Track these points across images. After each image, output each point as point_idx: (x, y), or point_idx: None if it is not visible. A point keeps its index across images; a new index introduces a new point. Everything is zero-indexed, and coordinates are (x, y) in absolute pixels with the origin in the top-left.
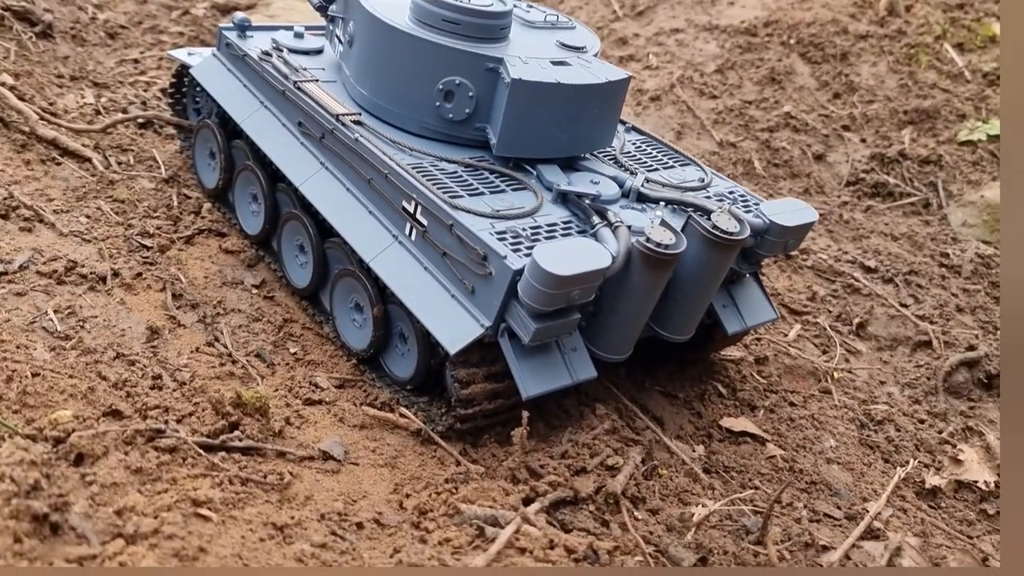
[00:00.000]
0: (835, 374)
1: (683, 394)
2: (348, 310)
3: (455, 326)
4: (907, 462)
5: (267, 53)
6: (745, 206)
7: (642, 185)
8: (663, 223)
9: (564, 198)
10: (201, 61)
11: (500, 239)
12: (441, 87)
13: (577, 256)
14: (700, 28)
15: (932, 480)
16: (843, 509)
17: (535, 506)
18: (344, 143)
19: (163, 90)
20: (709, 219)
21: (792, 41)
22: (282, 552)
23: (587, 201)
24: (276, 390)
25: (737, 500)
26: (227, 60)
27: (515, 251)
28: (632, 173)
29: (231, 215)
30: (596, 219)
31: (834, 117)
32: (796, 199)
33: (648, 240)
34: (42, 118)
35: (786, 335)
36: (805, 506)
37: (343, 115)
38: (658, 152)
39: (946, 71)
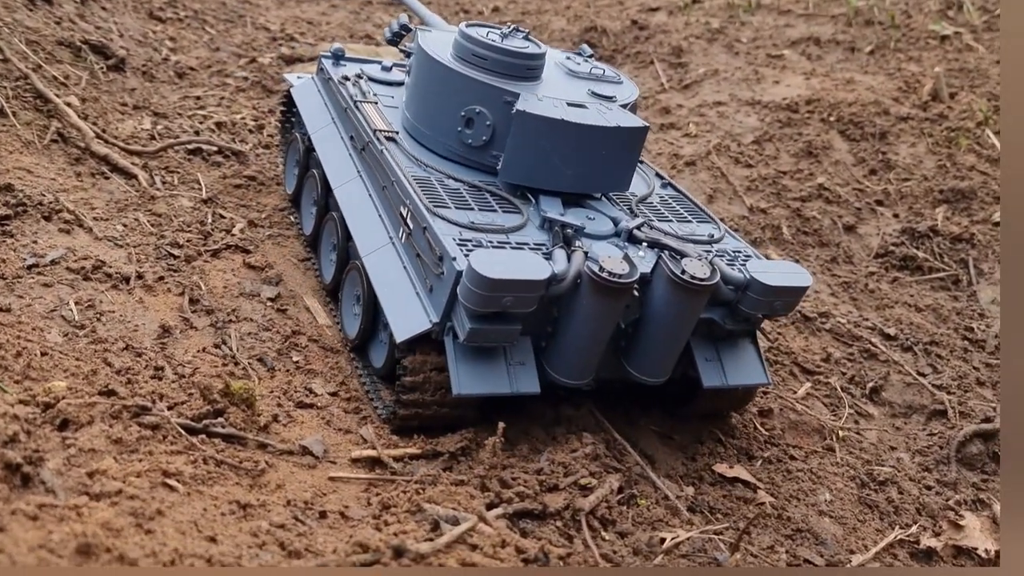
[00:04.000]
0: (841, 433)
1: (679, 436)
2: (352, 303)
3: (408, 318)
4: (907, 524)
5: (346, 78)
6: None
7: (637, 228)
8: (626, 257)
9: (551, 227)
10: (300, 83)
11: (460, 245)
12: (463, 114)
13: (513, 265)
14: (743, 103)
15: (928, 542)
16: (825, 557)
17: (497, 511)
18: (374, 155)
19: (277, 108)
20: (680, 263)
21: (832, 119)
22: (239, 526)
23: (570, 231)
24: (271, 391)
25: (712, 533)
26: (319, 83)
27: (467, 256)
28: (636, 217)
29: (298, 217)
30: (561, 244)
31: (868, 192)
32: (795, 264)
33: (599, 267)
34: (98, 136)
35: (795, 392)
36: (787, 551)
37: (379, 130)
38: (682, 208)
39: (986, 155)
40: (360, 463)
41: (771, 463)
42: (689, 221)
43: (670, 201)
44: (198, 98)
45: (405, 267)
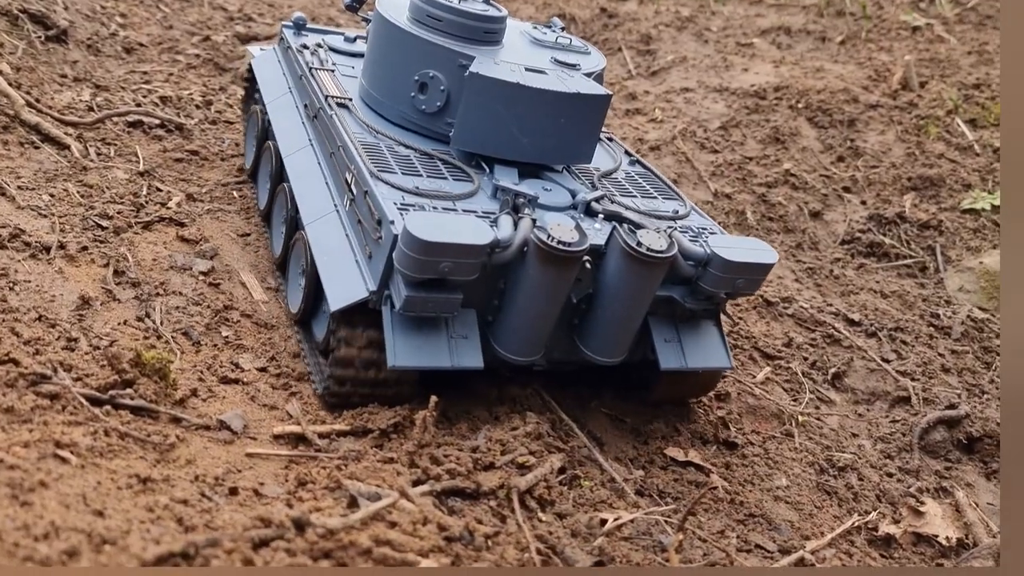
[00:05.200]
0: (800, 418)
1: (631, 420)
2: (297, 276)
3: (345, 287)
4: (866, 511)
5: (305, 46)
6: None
7: (595, 201)
8: (577, 226)
9: (504, 196)
10: (261, 54)
11: (401, 210)
12: (417, 78)
13: (451, 228)
14: (710, 89)
15: (886, 528)
16: (778, 543)
17: (423, 488)
18: (325, 122)
19: (240, 82)
20: (635, 235)
21: (800, 105)
22: (134, 501)
23: (521, 200)
24: (194, 365)
25: (658, 515)
26: (280, 53)
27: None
28: (596, 190)
29: (255, 191)
30: (508, 211)
31: (835, 178)
32: (760, 241)
33: (547, 235)
34: (29, 104)
35: (754, 376)
36: (738, 536)
37: (331, 96)
38: (648, 184)
39: (955, 143)
40: (283, 439)
41: (726, 448)
42: (654, 197)
43: (636, 177)
44: (145, 73)
45: (347, 235)
